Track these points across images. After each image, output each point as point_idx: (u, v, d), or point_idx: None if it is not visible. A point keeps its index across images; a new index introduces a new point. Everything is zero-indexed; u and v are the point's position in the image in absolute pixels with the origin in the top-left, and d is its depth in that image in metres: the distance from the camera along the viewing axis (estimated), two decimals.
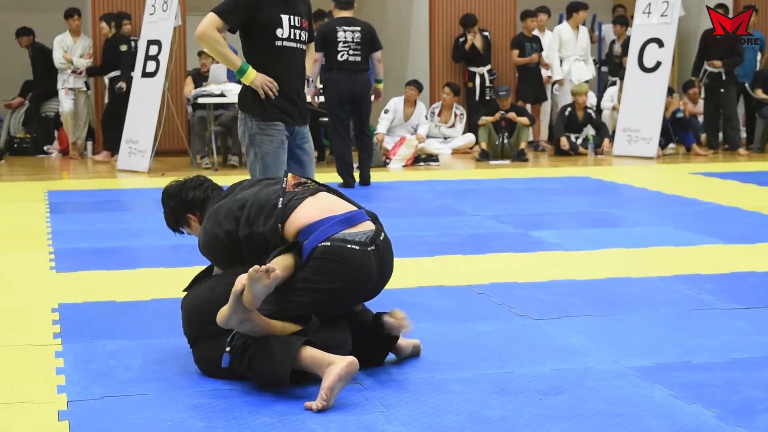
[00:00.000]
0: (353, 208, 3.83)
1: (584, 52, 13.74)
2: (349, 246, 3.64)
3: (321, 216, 3.71)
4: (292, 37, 4.99)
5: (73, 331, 4.52)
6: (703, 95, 13.05)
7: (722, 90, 12.75)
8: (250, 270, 3.48)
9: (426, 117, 12.78)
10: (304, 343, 3.58)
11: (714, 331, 4.47)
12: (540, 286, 5.40)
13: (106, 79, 12.29)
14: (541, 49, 13.45)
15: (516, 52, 13.33)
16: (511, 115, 12.32)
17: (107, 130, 12.27)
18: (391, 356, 4.08)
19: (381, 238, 3.77)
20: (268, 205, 3.77)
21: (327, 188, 3.95)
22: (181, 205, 4.11)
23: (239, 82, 5.26)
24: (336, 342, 3.72)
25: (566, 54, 13.53)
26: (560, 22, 14.82)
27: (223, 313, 3.59)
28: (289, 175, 3.97)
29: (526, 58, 13.29)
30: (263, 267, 3.47)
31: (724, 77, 12.74)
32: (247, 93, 5.01)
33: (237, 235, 3.77)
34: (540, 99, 13.63)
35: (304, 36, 5.07)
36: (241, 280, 3.53)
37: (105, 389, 3.72)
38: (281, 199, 3.78)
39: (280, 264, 3.60)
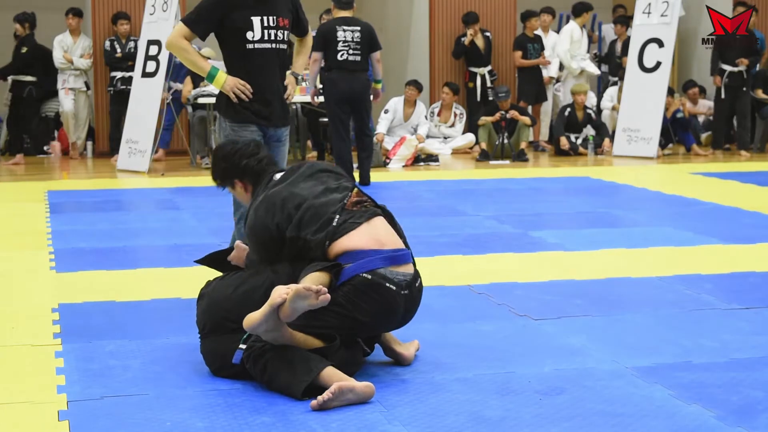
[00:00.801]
0: (401, 245, 3.85)
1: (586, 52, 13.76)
2: (387, 285, 3.69)
3: (369, 246, 3.73)
4: (265, 38, 4.95)
5: (73, 331, 4.52)
6: (723, 94, 12.71)
7: (744, 89, 12.62)
8: (299, 287, 3.50)
9: (426, 117, 12.78)
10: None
11: (714, 331, 4.47)
12: (540, 286, 5.40)
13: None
14: (542, 49, 13.43)
15: (519, 53, 13.30)
16: (513, 112, 12.31)
17: (13, 133, 12.34)
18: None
19: (417, 284, 3.82)
20: (324, 218, 3.77)
21: (383, 212, 3.94)
22: (232, 170, 4.13)
23: None
24: (349, 359, 3.77)
25: (575, 52, 13.52)
26: (560, 22, 14.83)
27: (252, 319, 3.59)
28: (355, 190, 3.92)
29: (531, 61, 13.26)
30: (315, 287, 3.50)
31: (745, 76, 12.59)
32: (222, 94, 5.03)
33: (285, 231, 3.79)
34: (541, 99, 13.62)
35: (282, 35, 5.02)
36: (281, 292, 3.53)
37: (105, 389, 3.72)
38: (338, 216, 3.77)
39: (317, 281, 3.62)
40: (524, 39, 13.39)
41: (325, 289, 3.54)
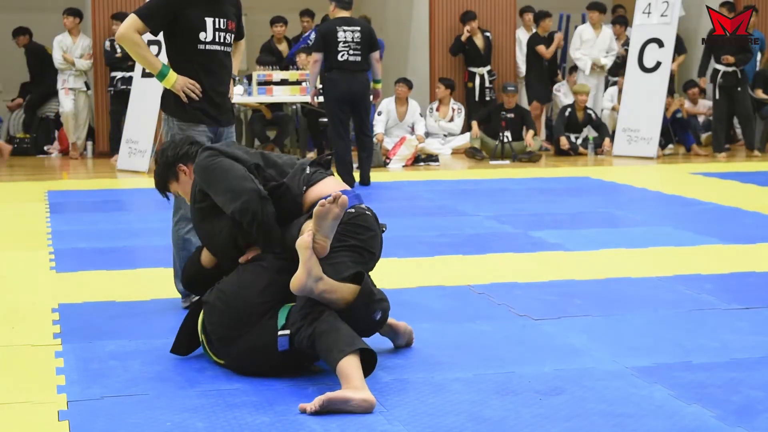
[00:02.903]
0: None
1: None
2: (366, 212, 3.99)
3: (339, 189, 4.00)
4: (216, 40, 4.93)
5: (73, 331, 4.52)
6: (717, 96, 12.46)
7: (739, 89, 12.38)
8: (316, 207, 3.69)
9: (421, 114, 12.73)
10: (367, 355, 3.66)
11: (714, 331, 4.47)
12: (540, 286, 5.40)
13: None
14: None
15: (542, 47, 13.37)
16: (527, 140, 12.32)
17: None
18: (390, 353, 4.10)
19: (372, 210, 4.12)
20: (297, 166, 4.09)
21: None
22: (174, 157, 4.32)
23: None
24: (382, 295, 3.99)
25: (587, 52, 13.58)
26: (560, 22, 14.84)
27: (298, 277, 3.70)
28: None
29: (551, 48, 13.40)
30: (328, 198, 3.68)
31: (739, 75, 12.35)
32: (169, 94, 4.96)
33: (254, 167, 4.04)
34: (548, 98, 13.67)
35: (230, 38, 5.02)
36: (304, 235, 3.72)
37: (105, 389, 3.72)
38: (309, 168, 4.09)
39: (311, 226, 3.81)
40: (538, 39, 13.48)
41: (338, 193, 3.73)
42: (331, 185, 4.04)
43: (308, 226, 3.82)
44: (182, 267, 4.95)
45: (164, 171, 4.35)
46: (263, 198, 3.93)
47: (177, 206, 4.98)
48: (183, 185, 4.34)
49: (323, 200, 3.69)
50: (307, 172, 4.05)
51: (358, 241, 3.88)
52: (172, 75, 4.89)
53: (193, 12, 4.87)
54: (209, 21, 4.90)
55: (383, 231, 4.07)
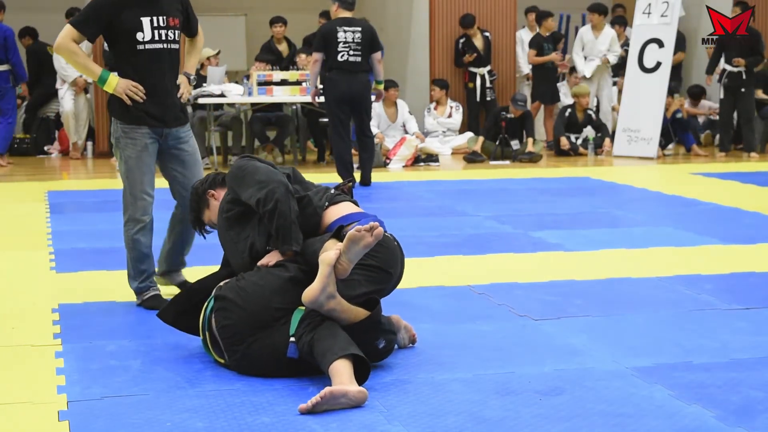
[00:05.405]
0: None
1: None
2: (387, 233, 4.04)
3: (357, 211, 4.18)
4: (156, 38, 4.87)
5: (73, 331, 4.53)
6: (721, 95, 12.50)
7: (743, 89, 12.34)
8: (351, 231, 3.73)
9: (410, 112, 12.71)
10: (359, 358, 3.67)
11: (714, 331, 4.47)
12: (540, 286, 5.40)
13: None
14: (555, 50, 13.53)
15: (533, 51, 13.39)
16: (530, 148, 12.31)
17: None
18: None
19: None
20: (322, 186, 4.26)
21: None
22: (203, 188, 4.47)
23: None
24: (391, 327, 4.05)
25: (588, 53, 13.59)
26: (560, 22, 14.84)
27: (312, 290, 3.74)
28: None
29: (544, 57, 13.35)
30: (365, 226, 3.75)
31: (744, 76, 12.32)
32: (114, 97, 4.95)
33: (289, 178, 4.17)
34: (555, 99, 13.67)
35: (173, 35, 4.96)
36: (330, 252, 3.75)
37: (105, 389, 3.72)
38: (333, 189, 4.28)
39: (333, 245, 3.86)
40: (540, 38, 13.51)
41: (377, 224, 3.80)
42: (349, 208, 4.18)
43: (332, 245, 3.86)
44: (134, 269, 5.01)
45: (196, 203, 4.51)
46: (290, 192, 4.04)
47: (125, 207, 4.99)
48: (213, 210, 4.43)
49: (359, 226, 3.76)
50: (331, 192, 4.24)
51: (375, 261, 3.93)
52: (113, 79, 4.88)
53: (128, 13, 4.83)
54: (146, 20, 4.85)
55: (403, 257, 4.13)
